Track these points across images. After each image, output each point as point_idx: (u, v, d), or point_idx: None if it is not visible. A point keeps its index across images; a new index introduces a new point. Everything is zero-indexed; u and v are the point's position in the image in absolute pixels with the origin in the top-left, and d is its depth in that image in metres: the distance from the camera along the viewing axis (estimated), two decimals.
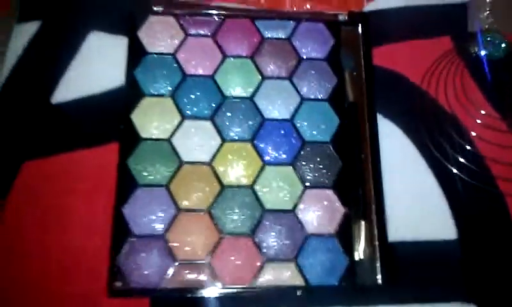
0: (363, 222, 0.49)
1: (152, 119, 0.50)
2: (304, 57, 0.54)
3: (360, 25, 0.56)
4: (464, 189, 0.51)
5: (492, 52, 0.56)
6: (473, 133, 0.53)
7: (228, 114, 0.51)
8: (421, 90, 0.55)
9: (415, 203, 0.50)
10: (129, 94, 0.52)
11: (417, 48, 0.57)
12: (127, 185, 0.48)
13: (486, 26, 0.56)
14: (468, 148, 0.52)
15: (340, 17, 0.56)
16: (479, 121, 0.53)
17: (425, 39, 0.57)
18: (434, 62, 0.56)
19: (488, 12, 0.57)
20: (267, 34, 0.55)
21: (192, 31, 0.55)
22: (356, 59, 0.55)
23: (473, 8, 0.57)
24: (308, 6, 0.57)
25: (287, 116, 0.52)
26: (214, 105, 0.51)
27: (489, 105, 0.54)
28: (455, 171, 0.52)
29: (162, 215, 0.48)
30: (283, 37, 0.55)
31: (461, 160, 0.52)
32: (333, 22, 0.56)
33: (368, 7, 0.58)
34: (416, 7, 0.58)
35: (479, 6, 0.57)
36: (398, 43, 0.57)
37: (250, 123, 0.51)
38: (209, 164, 0.49)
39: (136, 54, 0.53)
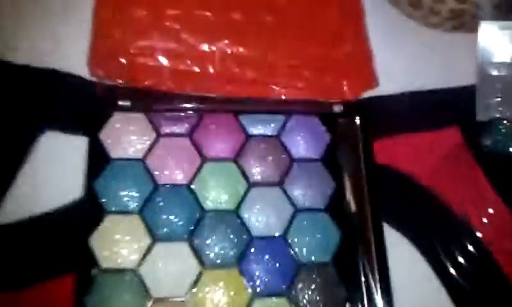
0: None
1: (116, 244, 0.41)
2: (296, 157, 0.47)
3: (357, 117, 0.49)
4: None
5: (505, 144, 0.49)
6: (485, 237, 0.45)
7: (209, 232, 0.43)
8: (429, 192, 0.48)
9: None
10: (88, 212, 0.43)
11: (422, 142, 0.50)
12: None
13: (497, 115, 0.50)
14: (482, 258, 0.45)
15: (336, 108, 0.49)
16: (487, 221, 0.46)
17: (430, 131, 0.50)
18: (441, 158, 0.49)
19: (498, 98, 0.50)
20: (253, 131, 0.48)
21: (166, 130, 0.47)
22: (355, 158, 0.47)
23: (481, 94, 0.51)
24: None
25: (279, 232, 0.43)
26: (191, 222, 0.43)
27: (504, 204, 0.47)
28: (468, 287, 0.44)
29: None
30: (272, 134, 0.48)
31: (476, 275, 0.44)
32: (327, 114, 0.49)
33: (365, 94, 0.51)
34: (419, 93, 0.52)
35: (487, 91, 0.51)
36: (399, 137, 0.50)
37: (235, 242, 0.43)
38: (185, 301, 0.40)
39: (97, 159, 0.45)
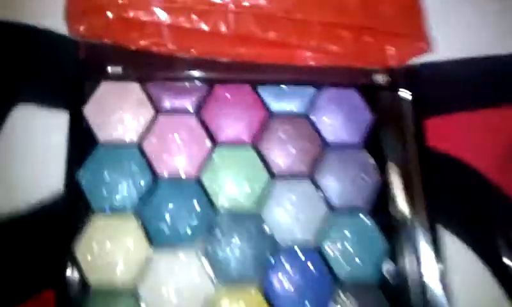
0: None
1: (105, 253, 0.33)
2: (331, 141, 0.37)
3: (405, 89, 0.39)
4: None
5: None
6: None
7: (223, 239, 0.34)
8: (493, 186, 0.39)
9: None
10: (70, 211, 0.34)
11: (483, 122, 0.40)
12: None
13: None
14: None
15: (378, 78, 0.40)
16: None
17: (494, 108, 0.41)
18: (508, 143, 0.40)
19: None
20: (275, 107, 0.38)
21: (167, 104, 0.37)
22: (402, 143, 0.38)
23: None
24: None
25: (311, 240, 0.35)
26: (201, 226, 0.34)
27: None
28: None
29: None
30: (299, 111, 0.38)
31: None
32: (368, 86, 0.39)
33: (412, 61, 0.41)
34: (481, 60, 0.42)
35: None
36: (454, 115, 0.41)
37: (256, 252, 0.34)
38: None
39: (81, 142, 0.35)
